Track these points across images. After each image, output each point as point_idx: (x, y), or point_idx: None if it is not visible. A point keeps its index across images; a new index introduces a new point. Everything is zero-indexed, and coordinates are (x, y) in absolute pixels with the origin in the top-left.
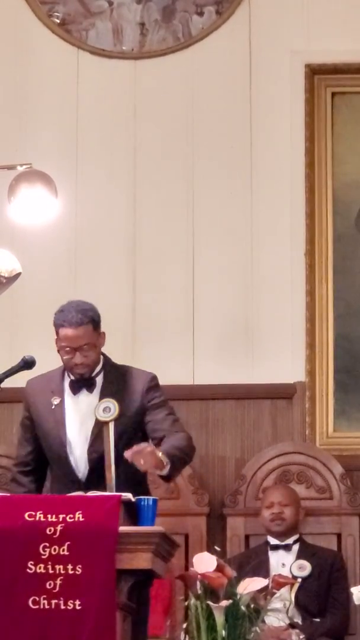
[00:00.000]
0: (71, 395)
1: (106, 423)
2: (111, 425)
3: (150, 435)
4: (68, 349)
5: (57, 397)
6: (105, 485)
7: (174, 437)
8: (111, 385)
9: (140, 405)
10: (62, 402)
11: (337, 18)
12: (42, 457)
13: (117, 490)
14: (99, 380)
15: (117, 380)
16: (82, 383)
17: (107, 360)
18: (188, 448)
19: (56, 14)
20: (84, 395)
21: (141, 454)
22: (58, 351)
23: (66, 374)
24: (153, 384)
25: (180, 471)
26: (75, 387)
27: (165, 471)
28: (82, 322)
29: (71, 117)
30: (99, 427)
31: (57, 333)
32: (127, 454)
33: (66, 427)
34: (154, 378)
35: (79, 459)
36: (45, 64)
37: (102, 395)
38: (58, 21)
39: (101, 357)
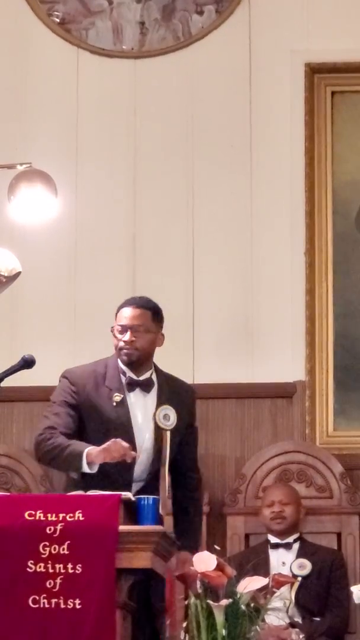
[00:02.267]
0: (129, 393)
1: (165, 431)
2: (168, 435)
3: (177, 456)
4: (121, 327)
5: (118, 394)
6: (155, 491)
7: (196, 515)
8: (165, 391)
9: (188, 422)
10: (124, 399)
11: (337, 17)
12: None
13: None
14: (155, 381)
15: (168, 387)
16: (139, 383)
17: (156, 365)
18: (201, 509)
19: (56, 13)
20: (139, 395)
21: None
22: (113, 337)
23: (120, 370)
24: (195, 400)
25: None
26: (131, 385)
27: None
28: (143, 305)
29: (71, 117)
30: (159, 434)
31: (115, 318)
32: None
33: (133, 427)
34: (194, 393)
35: (142, 461)
36: (45, 63)
37: (160, 399)
38: (58, 20)
39: (153, 362)
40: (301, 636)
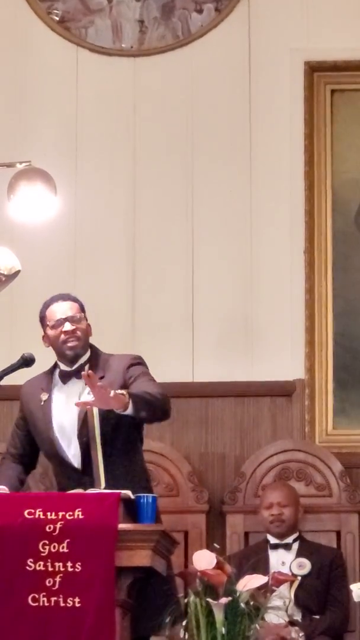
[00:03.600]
0: (59, 386)
1: (89, 407)
2: (95, 409)
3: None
4: (58, 321)
5: (45, 393)
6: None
7: (142, 385)
8: (97, 370)
9: (122, 382)
10: (49, 397)
11: (337, 15)
12: (32, 454)
13: (114, 483)
14: (87, 367)
15: (103, 366)
16: (72, 372)
17: (94, 350)
18: (158, 394)
19: (55, 11)
20: (72, 383)
21: (93, 392)
22: (49, 338)
23: (56, 368)
24: (135, 361)
25: (150, 412)
26: (65, 377)
27: (129, 410)
28: (70, 298)
29: (71, 115)
30: (84, 412)
31: (45, 318)
32: (96, 405)
33: (53, 419)
34: (137, 357)
35: (72, 447)
36: (45, 61)
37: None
38: (57, 19)
39: (89, 349)
40: (301, 634)
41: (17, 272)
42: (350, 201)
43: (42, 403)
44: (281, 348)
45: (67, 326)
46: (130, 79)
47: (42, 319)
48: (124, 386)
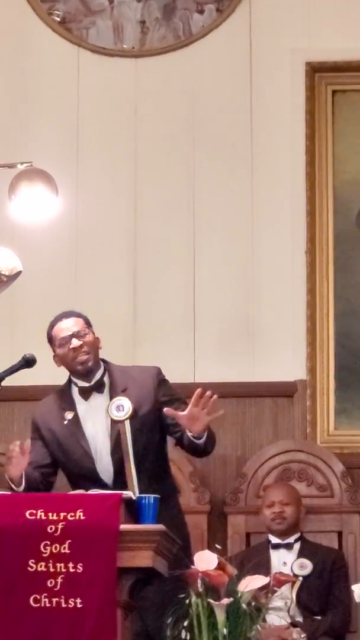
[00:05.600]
0: (83, 403)
1: (122, 422)
2: (127, 424)
3: (172, 428)
4: (64, 338)
5: (69, 412)
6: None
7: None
8: (117, 384)
9: (155, 400)
10: (75, 415)
11: (338, 16)
12: (52, 468)
13: (142, 488)
14: (106, 380)
15: (123, 378)
16: (92, 387)
17: (108, 363)
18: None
19: (56, 12)
20: (95, 398)
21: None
22: (59, 357)
23: (72, 385)
24: (161, 377)
25: (210, 449)
26: (86, 393)
27: (201, 440)
28: (74, 314)
29: (72, 116)
30: (116, 427)
31: (53, 338)
32: (182, 420)
33: (87, 437)
34: (160, 371)
35: (105, 464)
36: (46, 62)
37: (112, 394)
38: (58, 19)
39: (101, 361)
40: (302, 635)
41: (19, 273)
42: (351, 201)
43: (67, 422)
44: (282, 348)
45: (75, 342)
46: (131, 79)
47: (50, 340)
48: (156, 403)
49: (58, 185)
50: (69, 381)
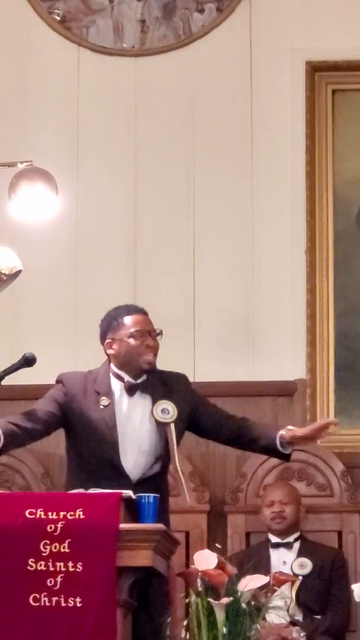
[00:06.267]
0: (123, 396)
1: (168, 424)
2: (172, 427)
3: (208, 423)
4: (139, 331)
5: (105, 398)
6: (159, 486)
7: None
8: (158, 387)
9: (193, 406)
10: (112, 404)
11: (338, 15)
12: (49, 428)
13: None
14: (149, 381)
15: (161, 382)
16: (139, 385)
17: None
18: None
19: (56, 11)
20: (139, 397)
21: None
22: (122, 345)
23: (110, 375)
24: (189, 383)
25: None
26: (132, 389)
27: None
28: (147, 313)
29: (72, 115)
30: (163, 429)
31: (120, 325)
32: (296, 440)
33: (118, 425)
34: (187, 377)
35: (133, 461)
36: (46, 61)
37: (155, 398)
38: (58, 18)
39: None
40: (302, 635)
41: (19, 272)
42: (351, 201)
43: (103, 407)
44: (283, 348)
45: (150, 341)
46: (131, 78)
47: (117, 325)
48: (192, 410)
49: (58, 184)
50: (108, 370)
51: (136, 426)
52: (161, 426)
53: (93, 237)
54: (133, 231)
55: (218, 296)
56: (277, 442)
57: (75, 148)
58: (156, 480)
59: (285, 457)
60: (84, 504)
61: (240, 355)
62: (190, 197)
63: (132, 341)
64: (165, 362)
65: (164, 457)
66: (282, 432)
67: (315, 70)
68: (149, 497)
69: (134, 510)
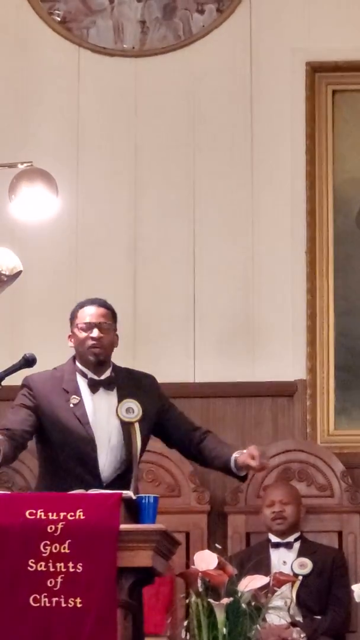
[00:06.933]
0: (89, 395)
1: (132, 424)
2: (137, 426)
3: (172, 432)
4: (87, 324)
5: (75, 396)
6: (127, 486)
7: (219, 440)
8: (125, 385)
9: (160, 407)
10: (81, 401)
11: (338, 16)
12: (28, 436)
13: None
14: (115, 379)
15: (128, 380)
16: (101, 382)
17: (113, 363)
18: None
19: (57, 12)
20: (103, 394)
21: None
22: (75, 339)
23: (76, 373)
24: (157, 384)
25: None
26: (95, 386)
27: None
28: (105, 305)
29: (72, 115)
30: (127, 429)
31: (75, 318)
32: (256, 463)
33: (91, 424)
34: (155, 379)
35: (104, 458)
36: (46, 62)
37: (121, 395)
38: (59, 19)
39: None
40: (302, 635)
41: (19, 273)
42: (351, 201)
43: (73, 405)
44: (283, 348)
45: (95, 332)
46: (131, 79)
47: (73, 318)
48: (160, 411)
49: (58, 185)
50: (73, 368)
51: (103, 424)
52: (125, 425)
53: (93, 238)
54: (133, 231)
55: (218, 296)
56: (232, 464)
57: (76, 148)
58: (124, 479)
59: (241, 479)
60: (84, 504)
61: (240, 355)
62: (191, 197)
63: (81, 334)
64: (165, 362)
65: (129, 456)
66: (236, 454)
67: (316, 70)
68: (149, 497)
69: (134, 511)
